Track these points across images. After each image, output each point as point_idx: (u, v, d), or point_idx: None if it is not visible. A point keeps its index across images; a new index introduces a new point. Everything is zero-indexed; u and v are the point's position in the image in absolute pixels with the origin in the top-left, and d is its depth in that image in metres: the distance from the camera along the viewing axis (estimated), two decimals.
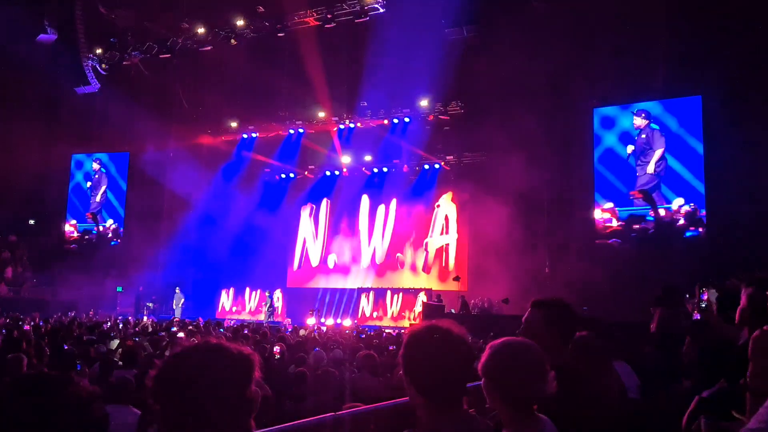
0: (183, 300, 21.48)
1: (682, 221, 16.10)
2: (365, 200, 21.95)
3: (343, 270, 22.14)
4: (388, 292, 20.52)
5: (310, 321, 18.51)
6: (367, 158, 21.62)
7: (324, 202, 22.80)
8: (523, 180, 17.16)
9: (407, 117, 20.64)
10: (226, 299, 23.18)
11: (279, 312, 21.69)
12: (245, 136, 23.15)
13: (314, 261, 22.66)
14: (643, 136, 16.90)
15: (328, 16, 19.79)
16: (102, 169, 25.60)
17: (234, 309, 22.90)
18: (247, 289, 22.61)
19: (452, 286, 19.20)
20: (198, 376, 1.49)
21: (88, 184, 25.64)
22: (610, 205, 16.95)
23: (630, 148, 17.01)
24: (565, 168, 17.47)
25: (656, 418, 3.82)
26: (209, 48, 22.06)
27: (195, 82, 22.50)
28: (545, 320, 2.67)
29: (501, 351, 2.08)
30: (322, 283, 22.24)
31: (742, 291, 3.33)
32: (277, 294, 22.45)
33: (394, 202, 21.45)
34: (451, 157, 20.38)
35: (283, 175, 23.24)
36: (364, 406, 3.19)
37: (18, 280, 23.29)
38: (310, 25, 20.31)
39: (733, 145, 14.24)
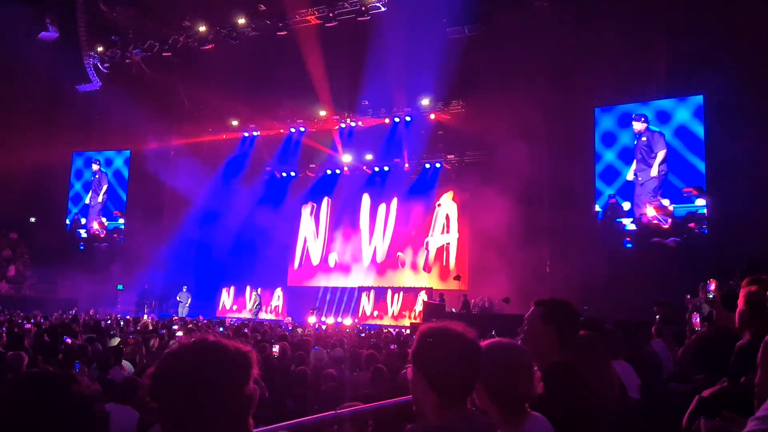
0: (190, 299, 21.54)
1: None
2: (366, 199, 21.95)
3: (343, 269, 22.15)
4: (389, 291, 20.54)
5: (311, 319, 18.52)
6: (368, 157, 21.61)
7: (325, 200, 22.80)
8: (524, 179, 17.16)
9: (408, 116, 20.63)
10: (226, 298, 23.21)
11: (265, 309, 21.88)
12: (246, 134, 23.16)
13: (315, 260, 22.66)
14: (644, 138, 16.86)
15: (330, 14, 19.77)
16: (103, 167, 25.62)
17: (234, 307, 22.93)
18: (248, 288, 22.62)
19: (453, 285, 19.20)
20: (196, 373, 1.49)
21: (91, 181, 25.65)
22: (666, 201, 16.38)
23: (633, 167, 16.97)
24: (566, 167, 17.43)
25: (656, 417, 3.82)
26: (211, 46, 22.06)
27: (196, 81, 22.48)
28: (544, 318, 2.70)
29: (488, 353, 2.11)
30: (322, 281, 22.24)
31: (740, 292, 3.32)
32: (278, 293, 22.50)
33: (395, 201, 21.45)
34: (452, 156, 20.37)
35: (284, 174, 23.24)
36: (363, 405, 3.19)
37: (19, 278, 23.31)
38: (311, 24, 20.29)
39: (734, 145, 14.20)
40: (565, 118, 17.56)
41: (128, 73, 23.34)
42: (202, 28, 21.70)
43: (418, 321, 16.45)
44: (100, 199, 25.34)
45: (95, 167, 25.67)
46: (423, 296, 19.00)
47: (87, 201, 25.55)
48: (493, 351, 2.14)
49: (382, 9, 19.06)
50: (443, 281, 20.19)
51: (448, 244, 20.58)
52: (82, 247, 24.82)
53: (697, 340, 3.95)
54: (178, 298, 21.62)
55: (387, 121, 21.09)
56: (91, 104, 23.97)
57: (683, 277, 12.14)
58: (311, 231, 22.93)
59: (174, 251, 21.96)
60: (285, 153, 22.85)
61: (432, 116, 20.36)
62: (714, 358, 3.33)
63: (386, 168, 21.61)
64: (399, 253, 21.26)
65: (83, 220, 25.38)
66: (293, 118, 22.40)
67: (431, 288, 19.61)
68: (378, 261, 21.55)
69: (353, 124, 21.61)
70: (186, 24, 21.92)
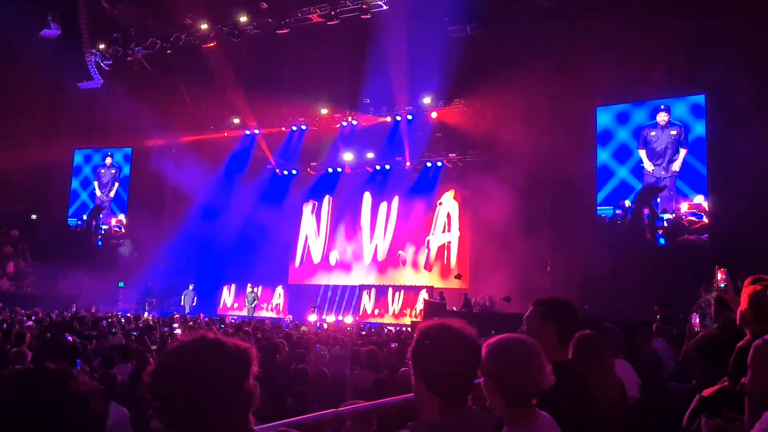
0: (196, 298, 21.56)
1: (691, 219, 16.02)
2: (367, 197, 21.95)
3: (344, 267, 22.15)
4: (390, 290, 20.54)
5: (312, 318, 18.53)
6: (370, 155, 21.60)
7: (326, 199, 22.80)
8: (525, 177, 17.15)
9: (410, 114, 20.61)
10: (227, 296, 23.22)
11: (267, 306, 21.96)
12: (248, 132, 23.15)
13: (316, 258, 22.67)
14: (673, 132, 16.68)
15: (331, 12, 19.74)
16: (104, 164, 25.63)
17: (236, 305, 22.95)
18: (249, 286, 22.62)
19: (454, 283, 19.20)
20: (195, 370, 1.49)
21: (92, 178, 25.67)
22: (699, 198, 16.11)
23: (643, 153, 16.78)
24: (569, 165, 17.42)
25: (657, 416, 3.82)
26: (212, 44, 22.04)
27: (198, 78, 22.46)
28: (542, 317, 2.69)
29: (497, 348, 2.10)
30: (323, 279, 22.24)
31: (742, 291, 3.32)
32: (279, 290, 22.52)
33: (396, 200, 21.44)
34: (454, 154, 20.35)
35: (286, 172, 23.24)
36: (364, 403, 3.19)
37: (20, 275, 23.34)
38: (313, 22, 20.27)
39: (736, 144, 14.18)
40: (566, 115, 17.54)
41: (130, 70, 23.33)
42: (204, 26, 21.68)
43: (418, 319, 16.46)
44: (100, 196, 25.35)
45: (97, 164, 25.69)
46: (424, 295, 19.00)
47: (88, 198, 25.54)
48: (499, 347, 2.11)
49: (384, 7, 19.02)
50: (444, 280, 20.19)
51: (449, 242, 20.57)
52: (99, 243, 24.80)
53: (705, 337, 3.94)
54: (183, 296, 21.67)
55: (388, 119, 21.07)
56: (93, 102, 23.98)
57: (684, 277, 12.12)
58: (312, 229, 22.93)
59: (175, 249, 21.98)
60: (286, 151, 22.84)
61: (433, 114, 20.34)
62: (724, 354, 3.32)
63: (387, 166, 21.59)
64: (400, 252, 21.26)
65: (102, 217, 25.32)
66: (295, 116, 22.39)
67: (432, 286, 19.61)
68: (379, 259, 21.54)
69: (354, 122, 21.59)
70: (188, 22, 21.90)
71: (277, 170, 23.25)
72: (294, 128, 22.56)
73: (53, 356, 6.31)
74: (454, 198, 20.67)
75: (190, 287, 21.69)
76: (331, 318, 19.61)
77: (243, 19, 21.11)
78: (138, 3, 22.51)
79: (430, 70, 18.61)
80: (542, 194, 17.69)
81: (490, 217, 17.60)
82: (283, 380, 6.60)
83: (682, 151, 16.41)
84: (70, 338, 7.97)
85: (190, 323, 12.63)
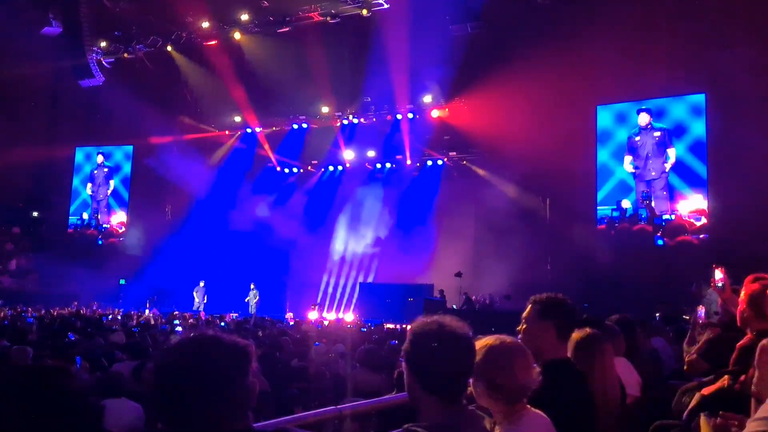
0: (206, 297, 21.55)
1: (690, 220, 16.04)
2: (368, 195, 21.94)
3: (345, 264, 22.14)
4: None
5: (313, 315, 18.53)
6: (371, 154, 21.62)
7: (327, 196, 22.79)
8: (525, 176, 17.15)
9: (410, 112, 20.61)
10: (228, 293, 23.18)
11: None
12: (249, 130, 23.15)
13: (317, 255, 22.66)
14: (657, 134, 16.74)
15: (333, 11, 19.74)
16: (106, 162, 25.64)
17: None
18: (252, 285, 22.59)
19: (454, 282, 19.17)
20: (195, 368, 1.49)
21: (93, 176, 25.68)
22: (698, 198, 16.10)
23: (628, 159, 16.80)
24: (569, 164, 17.41)
25: (657, 415, 3.82)
26: (214, 42, 22.03)
27: (199, 76, 22.46)
28: (540, 315, 2.70)
29: (484, 349, 2.12)
30: (324, 277, 22.25)
31: (742, 290, 3.32)
32: (280, 288, 22.50)
33: (396, 198, 21.43)
34: (454, 152, 20.35)
35: (287, 170, 23.24)
36: (365, 401, 3.20)
37: (21, 272, 23.36)
38: (314, 20, 20.25)
39: (736, 143, 14.17)
40: (566, 115, 17.53)
41: (131, 68, 23.33)
42: (205, 24, 21.68)
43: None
44: (102, 193, 25.36)
45: (98, 161, 25.70)
46: None
47: (89, 196, 25.56)
48: (490, 345, 2.15)
49: (385, 6, 19.00)
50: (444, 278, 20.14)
51: None
52: (100, 242, 24.80)
53: (708, 342, 3.93)
54: (195, 292, 21.66)
55: (389, 117, 21.08)
56: (94, 99, 23.97)
57: (683, 276, 12.12)
58: (313, 227, 22.92)
59: (175, 246, 21.98)
60: (287, 149, 22.85)
61: (434, 113, 20.34)
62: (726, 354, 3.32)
63: (388, 165, 21.61)
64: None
65: (99, 215, 25.33)
66: (296, 114, 22.39)
67: (431, 284, 19.58)
68: (379, 258, 21.53)
69: (355, 120, 21.59)
70: (189, 20, 21.89)
71: (278, 168, 23.27)
72: (295, 126, 22.56)
73: (54, 353, 6.32)
74: (455, 196, 20.62)
75: (201, 284, 21.68)
76: (331, 316, 19.61)
77: (244, 17, 21.10)
78: (139, 1, 22.49)
79: (430, 68, 18.63)
80: (543, 191, 17.68)
81: (491, 215, 17.59)
82: (283, 378, 6.60)
83: (671, 152, 16.44)
84: (72, 338, 7.98)
85: (191, 321, 12.64)
